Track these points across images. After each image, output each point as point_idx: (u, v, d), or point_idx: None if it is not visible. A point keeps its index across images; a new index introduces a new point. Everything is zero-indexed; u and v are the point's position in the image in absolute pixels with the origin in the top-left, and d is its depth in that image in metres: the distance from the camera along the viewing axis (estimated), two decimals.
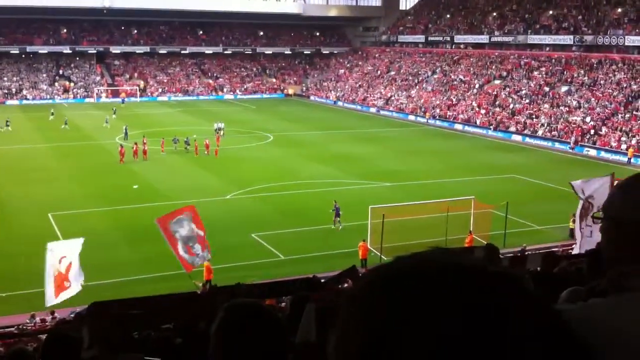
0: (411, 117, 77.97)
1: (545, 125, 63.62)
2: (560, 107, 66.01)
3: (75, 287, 19.34)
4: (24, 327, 19.11)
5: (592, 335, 0.96)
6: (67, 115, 68.04)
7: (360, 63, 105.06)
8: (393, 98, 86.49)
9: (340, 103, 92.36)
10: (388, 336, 0.84)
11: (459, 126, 70.90)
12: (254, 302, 2.30)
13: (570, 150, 57.26)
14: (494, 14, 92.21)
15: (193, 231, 21.19)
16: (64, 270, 19.14)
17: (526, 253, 22.35)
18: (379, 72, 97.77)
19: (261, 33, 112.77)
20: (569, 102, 66.51)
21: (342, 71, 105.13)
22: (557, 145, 59.23)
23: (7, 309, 21.84)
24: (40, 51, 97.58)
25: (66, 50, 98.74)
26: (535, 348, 0.82)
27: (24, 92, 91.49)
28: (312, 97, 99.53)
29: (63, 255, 19.25)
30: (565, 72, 72.43)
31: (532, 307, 0.86)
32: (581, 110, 64.12)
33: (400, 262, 0.92)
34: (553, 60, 75.90)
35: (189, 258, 21.11)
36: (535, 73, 75.46)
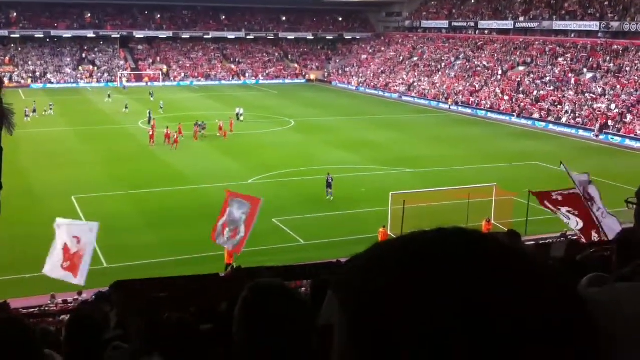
0: (433, 104, 77.52)
1: (570, 112, 62.95)
2: (585, 94, 65.24)
3: (79, 280, 19.17)
4: (46, 309, 19.37)
5: (616, 319, 0.95)
6: (127, 99, 69.45)
7: (382, 49, 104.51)
8: (415, 84, 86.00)
9: (362, 89, 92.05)
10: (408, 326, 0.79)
11: (481, 113, 70.37)
12: (278, 281, 2.29)
13: (595, 138, 56.63)
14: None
15: (240, 220, 21.74)
16: (73, 252, 19.00)
17: (561, 239, 22.23)
18: (401, 57, 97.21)
19: (284, 18, 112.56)
20: (593, 89, 65.72)
21: (364, 57, 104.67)
22: (581, 132, 58.59)
23: (29, 290, 22.12)
24: (64, 35, 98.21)
25: (90, 34, 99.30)
26: (558, 336, 0.79)
27: (49, 75, 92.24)
28: (334, 83, 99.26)
29: (76, 236, 19.10)
30: (590, 59, 71.52)
31: (556, 291, 0.83)
32: (606, 97, 63.32)
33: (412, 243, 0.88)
34: (578, 47, 74.96)
35: (219, 231, 21.82)
36: (560, 60, 74.58)
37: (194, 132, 50.61)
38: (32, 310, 18.56)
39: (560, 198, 19.54)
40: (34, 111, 60.18)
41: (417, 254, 0.84)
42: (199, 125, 51.52)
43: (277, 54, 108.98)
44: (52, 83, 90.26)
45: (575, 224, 19.10)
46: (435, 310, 0.78)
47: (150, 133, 48.79)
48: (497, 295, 0.79)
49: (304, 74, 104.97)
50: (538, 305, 0.80)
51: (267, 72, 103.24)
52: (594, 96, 64.24)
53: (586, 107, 62.61)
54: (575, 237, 20.75)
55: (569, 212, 19.11)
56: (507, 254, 0.84)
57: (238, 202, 21.92)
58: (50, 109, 62.87)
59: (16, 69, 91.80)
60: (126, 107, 64.94)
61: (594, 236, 19.61)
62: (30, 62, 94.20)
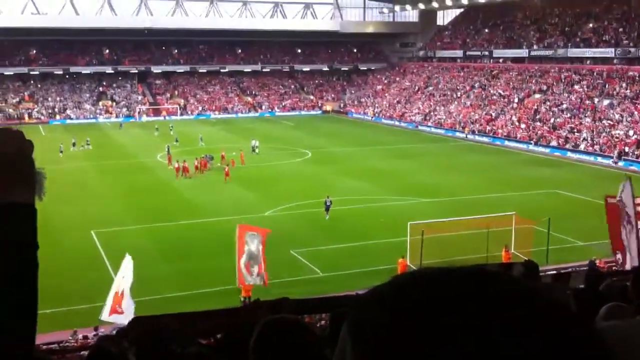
0: (450, 133, 77.50)
1: (587, 139, 62.64)
2: (603, 121, 64.94)
3: (127, 315, 19.52)
4: (66, 344, 19.33)
5: (633, 354, 0.94)
6: (176, 132, 71.18)
7: (397, 79, 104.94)
8: (431, 113, 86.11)
9: (378, 119, 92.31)
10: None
11: (498, 141, 70.22)
12: (293, 318, 2.28)
13: (614, 164, 56.22)
14: (533, 27, 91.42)
15: (259, 252, 21.96)
16: (120, 292, 19.54)
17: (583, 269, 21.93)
18: (416, 87, 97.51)
19: (299, 50, 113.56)
20: (611, 115, 65.42)
21: (379, 87, 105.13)
22: (599, 159, 58.22)
23: (50, 325, 22.11)
24: (83, 71, 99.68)
25: (108, 70, 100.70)
26: None
27: (68, 111, 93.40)
28: (349, 114, 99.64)
29: (123, 275, 19.66)
30: (607, 86, 71.32)
31: (569, 324, 0.83)
32: (624, 123, 62.99)
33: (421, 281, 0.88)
34: (594, 74, 74.81)
35: (245, 273, 21.94)
36: (576, 87, 74.43)
37: (202, 165, 50.86)
38: (52, 345, 18.52)
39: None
40: (74, 145, 62.85)
41: (420, 299, 0.84)
42: (206, 157, 51.93)
43: (292, 86, 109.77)
44: (72, 119, 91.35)
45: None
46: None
47: (176, 166, 49.59)
48: (506, 341, 0.78)
49: (319, 105, 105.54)
50: (551, 348, 0.79)
51: (283, 104, 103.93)
52: (612, 122, 63.92)
53: (604, 133, 62.28)
54: (601, 267, 20.46)
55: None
56: (519, 297, 0.83)
57: (251, 235, 22.11)
58: (88, 143, 64.40)
59: (36, 105, 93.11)
60: (177, 141, 66.21)
61: (618, 258, 19.28)
62: (49, 98, 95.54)
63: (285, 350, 2.09)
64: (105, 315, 19.49)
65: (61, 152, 58.20)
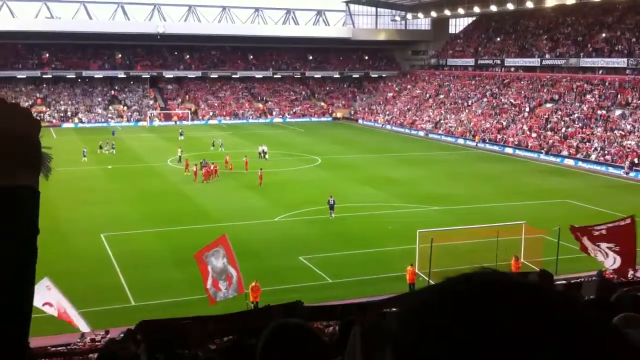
0: (460, 141, 77.37)
1: (599, 149, 62.38)
2: (614, 131, 64.67)
3: (83, 328, 19.78)
4: (74, 347, 19.39)
5: None
6: (216, 137, 71.20)
7: (409, 86, 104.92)
8: (442, 121, 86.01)
9: (388, 126, 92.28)
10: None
11: (509, 150, 70.03)
12: (299, 322, 2.27)
13: (625, 175, 55.94)
14: (545, 37, 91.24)
15: (225, 266, 21.63)
16: (62, 314, 19.65)
17: (593, 279, 21.83)
18: (427, 95, 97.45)
19: (310, 57, 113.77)
20: (622, 125, 65.13)
21: (390, 94, 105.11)
22: (610, 169, 57.95)
23: (58, 328, 22.15)
24: (95, 76, 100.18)
25: (120, 74, 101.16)
26: None
27: (80, 115, 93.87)
28: (360, 121, 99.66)
29: (47, 302, 19.60)
30: (619, 96, 71.03)
31: (604, 333, 0.85)
32: (636, 134, 62.70)
33: (460, 283, 0.90)
34: (606, 84, 74.54)
35: (214, 292, 21.56)
36: (588, 96, 74.17)
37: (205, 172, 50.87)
38: (59, 348, 18.60)
39: (604, 232, 19.14)
40: (100, 147, 63.99)
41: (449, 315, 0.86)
42: (202, 163, 51.82)
43: (303, 92, 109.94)
44: (83, 122, 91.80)
45: (612, 261, 18.72)
46: None
47: (194, 170, 50.02)
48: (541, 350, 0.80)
49: (330, 111, 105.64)
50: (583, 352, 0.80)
51: (293, 110, 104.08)
52: (623, 133, 63.63)
53: (615, 144, 62.01)
54: (611, 276, 20.35)
55: (609, 248, 18.74)
56: (552, 306, 0.86)
57: (211, 254, 21.66)
58: (113, 147, 64.88)
59: (48, 109, 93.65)
60: (213, 144, 67.07)
61: (630, 273, 19.23)
62: (61, 102, 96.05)
63: (291, 356, 2.09)
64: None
65: (84, 156, 58.70)
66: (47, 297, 19.61)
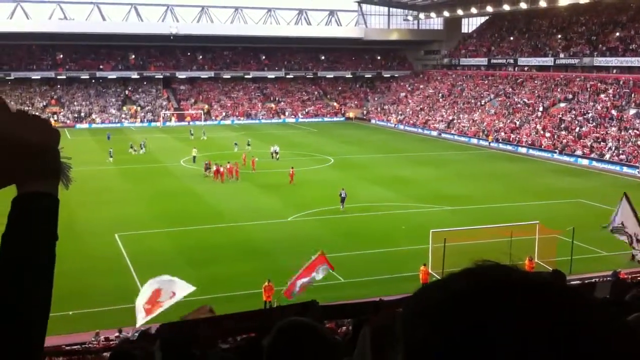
0: (473, 141, 77.14)
1: (613, 148, 62.00)
2: (629, 130, 64.26)
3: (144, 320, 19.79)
4: (89, 346, 19.51)
5: None
6: (236, 138, 71.51)
7: (421, 86, 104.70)
8: (455, 121, 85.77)
9: (401, 126, 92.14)
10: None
11: (522, 149, 69.75)
12: (308, 322, 2.27)
13: (639, 175, 55.56)
14: (559, 36, 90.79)
15: (313, 279, 22.26)
16: (159, 301, 19.63)
17: (608, 279, 21.68)
18: (440, 95, 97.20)
19: (322, 57, 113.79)
20: (637, 125, 64.69)
21: (403, 94, 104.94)
22: (625, 169, 57.59)
23: (73, 327, 22.33)
24: (109, 76, 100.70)
25: (134, 75, 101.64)
26: None
27: (93, 115, 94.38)
28: (372, 121, 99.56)
29: (174, 292, 19.72)
30: (633, 95, 70.56)
31: (618, 333, 0.84)
32: None
33: (466, 280, 0.91)
34: (620, 83, 74.06)
35: (295, 292, 22.15)
36: (602, 96, 73.73)
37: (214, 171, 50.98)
38: (74, 347, 18.71)
39: None
40: (131, 147, 64.64)
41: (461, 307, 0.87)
42: (205, 165, 52.01)
43: (316, 93, 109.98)
44: (97, 123, 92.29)
45: None
46: None
47: (214, 169, 50.29)
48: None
49: (342, 111, 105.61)
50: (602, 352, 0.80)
51: (306, 110, 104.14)
52: (638, 132, 63.21)
53: (630, 143, 61.61)
54: (624, 277, 20.20)
55: None
56: (568, 303, 0.86)
57: (325, 269, 22.36)
58: (143, 146, 65.51)
59: (62, 109, 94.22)
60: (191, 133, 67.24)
61: None
62: (75, 103, 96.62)
63: (298, 355, 2.09)
64: (141, 320, 19.58)
65: (111, 156, 59.11)
66: (179, 291, 19.81)
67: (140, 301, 19.33)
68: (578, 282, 21.53)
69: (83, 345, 19.44)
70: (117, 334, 20.82)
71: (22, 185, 1.52)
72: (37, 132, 1.53)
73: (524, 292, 0.86)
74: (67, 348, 18.10)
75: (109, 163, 57.72)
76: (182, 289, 19.91)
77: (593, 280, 22.28)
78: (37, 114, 1.62)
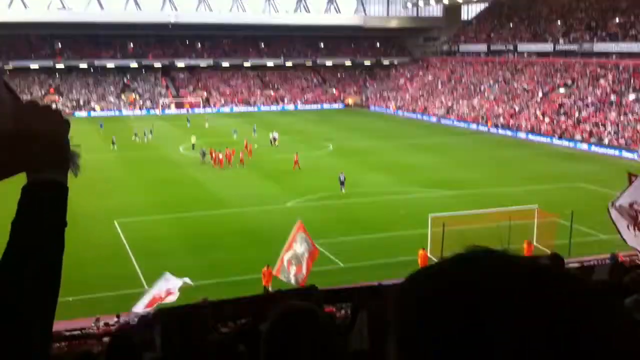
0: (473, 126, 77.06)
1: (612, 133, 61.97)
2: (628, 115, 64.20)
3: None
4: (89, 331, 19.60)
5: None
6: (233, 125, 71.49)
7: (420, 73, 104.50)
8: (454, 107, 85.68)
9: (400, 112, 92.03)
10: (463, 343, 0.80)
11: (522, 135, 69.70)
12: (307, 306, 2.26)
13: (638, 159, 55.56)
14: (559, 22, 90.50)
15: (302, 256, 22.39)
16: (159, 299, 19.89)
17: (606, 261, 21.70)
18: (439, 81, 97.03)
19: (321, 45, 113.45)
20: (637, 109, 64.62)
21: (402, 81, 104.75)
22: (624, 153, 57.58)
23: (73, 313, 22.38)
24: (107, 65, 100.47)
25: (133, 64, 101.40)
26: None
27: (92, 104, 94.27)
28: (372, 107, 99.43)
29: (170, 290, 19.97)
30: (633, 80, 70.43)
31: (612, 316, 0.83)
32: None
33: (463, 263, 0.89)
34: (620, 68, 73.90)
35: (285, 268, 22.32)
36: (602, 81, 73.60)
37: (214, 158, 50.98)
38: (74, 332, 18.79)
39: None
40: (135, 134, 64.62)
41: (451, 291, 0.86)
42: (202, 152, 51.96)
43: (315, 80, 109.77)
44: (96, 111, 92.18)
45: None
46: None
47: (214, 156, 50.35)
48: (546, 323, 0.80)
49: (342, 98, 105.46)
50: (590, 333, 0.80)
51: (305, 97, 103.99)
52: (637, 117, 63.16)
53: (629, 127, 61.58)
54: (625, 259, 20.21)
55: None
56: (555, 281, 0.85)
57: (303, 237, 22.50)
58: (151, 132, 65.44)
59: (60, 98, 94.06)
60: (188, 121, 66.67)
61: None
62: (74, 91, 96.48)
63: (297, 339, 2.08)
64: (139, 307, 19.78)
65: (113, 144, 59.07)
66: (175, 287, 20.16)
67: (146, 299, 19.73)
68: (577, 265, 21.60)
69: (83, 331, 19.53)
70: (116, 319, 20.90)
71: (33, 173, 1.57)
72: (48, 122, 1.58)
73: (520, 284, 0.84)
74: (67, 333, 18.18)
75: (110, 151, 57.71)
76: (177, 284, 20.23)
77: (592, 263, 22.34)
78: (48, 104, 1.66)
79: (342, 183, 40.99)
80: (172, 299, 19.75)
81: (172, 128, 74.43)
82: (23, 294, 1.46)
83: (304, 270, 22.70)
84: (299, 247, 22.57)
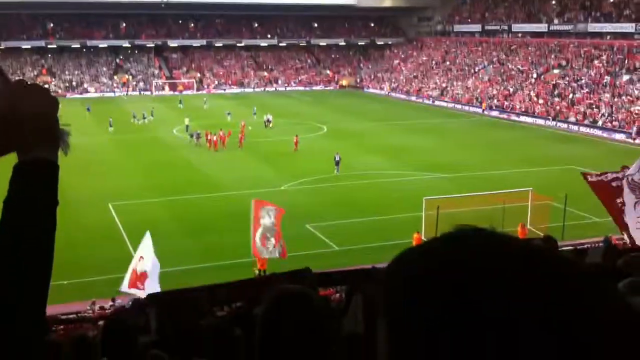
0: (467, 108, 77.02)
1: (606, 115, 62.02)
2: (622, 97, 64.23)
3: (153, 286, 19.98)
4: (84, 314, 19.64)
5: None
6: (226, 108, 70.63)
7: (414, 54, 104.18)
8: (448, 89, 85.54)
9: (394, 94, 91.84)
10: (454, 324, 0.79)
11: (516, 116, 69.71)
12: (301, 289, 2.24)
13: (632, 141, 55.68)
14: (553, 2, 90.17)
15: (274, 226, 22.54)
16: (140, 272, 19.74)
17: (600, 244, 21.77)
18: (434, 62, 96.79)
19: (315, 25, 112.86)
20: (630, 91, 64.65)
21: (396, 62, 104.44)
22: (617, 135, 57.68)
23: (68, 296, 22.40)
24: (100, 45, 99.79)
25: (125, 44, 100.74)
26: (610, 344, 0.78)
27: (85, 85, 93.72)
28: (366, 89, 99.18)
29: (141, 256, 19.88)
30: (627, 61, 70.39)
31: (606, 299, 0.82)
32: None
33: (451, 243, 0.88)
34: (614, 49, 73.83)
35: (260, 247, 22.50)
36: (596, 62, 73.56)
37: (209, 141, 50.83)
38: (70, 316, 18.83)
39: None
40: (134, 116, 64.11)
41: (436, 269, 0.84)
42: (195, 134, 51.84)
43: (309, 61, 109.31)
44: (89, 92, 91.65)
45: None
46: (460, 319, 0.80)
47: (209, 138, 50.23)
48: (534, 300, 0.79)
49: (336, 80, 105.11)
50: (581, 313, 0.79)
51: (299, 78, 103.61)
52: (631, 98, 63.19)
53: (623, 109, 61.63)
54: (618, 242, 20.27)
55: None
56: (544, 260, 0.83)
57: (267, 209, 22.68)
58: (152, 114, 64.95)
59: (53, 79, 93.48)
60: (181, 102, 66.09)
61: (626, 239, 18.82)
62: (67, 72, 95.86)
63: (292, 323, 2.08)
64: (124, 287, 19.80)
65: (111, 126, 58.82)
66: (144, 251, 19.98)
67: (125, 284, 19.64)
68: (570, 248, 21.66)
69: (79, 314, 19.57)
70: (111, 303, 20.93)
71: (23, 152, 1.57)
72: (36, 100, 1.58)
73: (511, 264, 0.83)
74: (63, 317, 18.21)
75: (107, 133, 57.50)
76: (145, 246, 19.96)
77: (585, 246, 22.42)
78: (35, 82, 1.67)
79: (337, 163, 41.39)
80: (152, 286, 19.68)
81: (166, 110, 74.06)
82: (15, 272, 1.47)
83: (281, 242, 22.97)
84: (267, 219, 22.83)
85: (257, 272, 23.54)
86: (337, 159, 41.69)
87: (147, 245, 19.95)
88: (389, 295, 0.87)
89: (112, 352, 4.89)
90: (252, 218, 23.31)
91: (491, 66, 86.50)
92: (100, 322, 16.20)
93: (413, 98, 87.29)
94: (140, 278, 19.53)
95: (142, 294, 19.60)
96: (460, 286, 0.80)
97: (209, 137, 50.30)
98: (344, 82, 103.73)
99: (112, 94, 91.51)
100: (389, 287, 0.87)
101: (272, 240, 22.75)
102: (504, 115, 70.91)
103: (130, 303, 18.37)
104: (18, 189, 1.55)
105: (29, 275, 1.49)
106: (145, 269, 19.63)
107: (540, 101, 70.48)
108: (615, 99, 64.28)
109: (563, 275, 0.82)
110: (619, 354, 0.77)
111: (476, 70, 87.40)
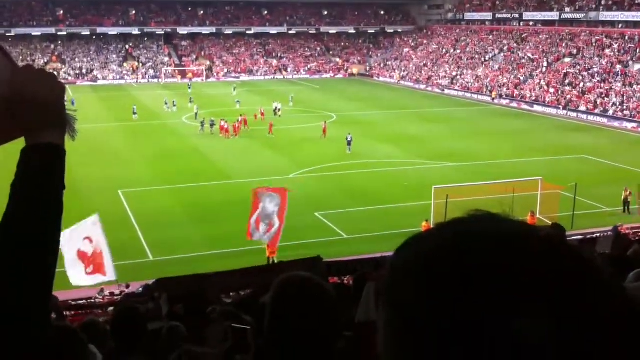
0: (477, 97, 76.69)
1: (617, 104, 61.63)
2: (633, 86, 63.79)
3: (110, 276, 20.15)
4: (94, 301, 19.74)
5: None
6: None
7: (425, 42, 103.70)
8: (458, 77, 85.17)
9: (404, 82, 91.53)
10: (459, 312, 0.78)
11: (526, 105, 69.37)
12: (310, 277, 2.24)
13: None
14: None
15: (273, 213, 22.68)
16: (91, 254, 19.73)
17: (609, 234, 21.74)
18: (444, 50, 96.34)
19: (325, 12, 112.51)
20: None
21: (406, 50, 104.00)
22: (629, 124, 57.32)
23: None
24: (109, 32, 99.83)
25: (135, 31, 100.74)
26: (608, 332, 0.78)
27: (95, 72, 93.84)
28: (375, 77, 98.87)
29: (87, 237, 19.84)
30: (638, 50, 69.86)
31: (601, 286, 0.81)
32: None
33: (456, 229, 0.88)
34: (626, 38, 73.27)
35: (254, 228, 22.75)
36: (607, 51, 73.02)
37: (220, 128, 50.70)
38: (80, 302, 18.93)
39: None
40: (165, 103, 64.34)
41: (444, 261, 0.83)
42: (210, 122, 51.61)
43: (318, 49, 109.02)
44: (99, 79, 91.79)
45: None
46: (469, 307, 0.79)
47: (223, 125, 49.94)
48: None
49: (345, 68, 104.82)
50: (585, 304, 0.78)
51: (308, 66, 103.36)
52: None
53: (634, 98, 61.22)
54: (625, 232, 20.26)
55: None
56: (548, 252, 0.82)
57: (268, 196, 22.90)
58: (174, 105, 64.31)
59: (63, 66, 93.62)
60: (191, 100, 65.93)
61: None
62: (77, 59, 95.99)
63: (300, 310, 2.08)
64: (81, 279, 19.79)
65: (134, 113, 58.79)
66: (90, 232, 20.00)
67: (79, 275, 19.56)
68: (580, 237, 21.62)
69: (89, 300, 19.67)
70: (124, 289, 21.02)
71: (31, 136, 1.59)
72: (43, 85, 1.59)
73: (516, 251, 0.82)
74: (73, 303, 18.32)
75: (116, 120, 57.68)
76: (88, 228, 19.94)
77: (595, 235, 22.39)
78: (42, 67, 1.68)
79: (348, 143, 43.58)
80: (105, 277, 19.77)
81: (175, 97, 74.04)
82: (23, 254, 1.49)
83: (276, 226, 23.06)
84: (269, 205, 23.02)
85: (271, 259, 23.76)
86: (349, 139, 43.71)
87: (94, 227, 19.91)
88: (391, 281, 0.87)
89: (123, 337, 4.93)
90: (251, 205, 23.60)
91: (502, 54, 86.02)
92: (110, 309, 16.32)
93: (423, 86, 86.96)
94: (96, 261, 19.52)
95: (105, 279, 19.76)
96: (463, 271, 0.80)
97: (222, 124, 50.22)
98: (354, 70, 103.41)
99: (122, 81, 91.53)
100: (392, 273, 0.87)
101: (265, 226, 23.07)
102: (514, 104, 70.56)
103: (140, 289, 18.50)
104: (25, 173, 1.56)
105: (36, 256, 1.50)
106: (101, 250, 19.69)
107: (551, 90, 70.09)
108: (627, 88, 63.85)
109: (568, 271, 0.81)
110: (622, 351, 0.77)
111: (487, 59, 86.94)
